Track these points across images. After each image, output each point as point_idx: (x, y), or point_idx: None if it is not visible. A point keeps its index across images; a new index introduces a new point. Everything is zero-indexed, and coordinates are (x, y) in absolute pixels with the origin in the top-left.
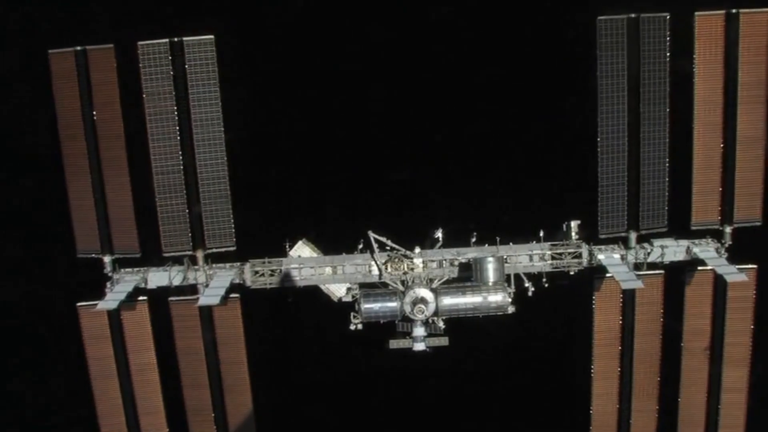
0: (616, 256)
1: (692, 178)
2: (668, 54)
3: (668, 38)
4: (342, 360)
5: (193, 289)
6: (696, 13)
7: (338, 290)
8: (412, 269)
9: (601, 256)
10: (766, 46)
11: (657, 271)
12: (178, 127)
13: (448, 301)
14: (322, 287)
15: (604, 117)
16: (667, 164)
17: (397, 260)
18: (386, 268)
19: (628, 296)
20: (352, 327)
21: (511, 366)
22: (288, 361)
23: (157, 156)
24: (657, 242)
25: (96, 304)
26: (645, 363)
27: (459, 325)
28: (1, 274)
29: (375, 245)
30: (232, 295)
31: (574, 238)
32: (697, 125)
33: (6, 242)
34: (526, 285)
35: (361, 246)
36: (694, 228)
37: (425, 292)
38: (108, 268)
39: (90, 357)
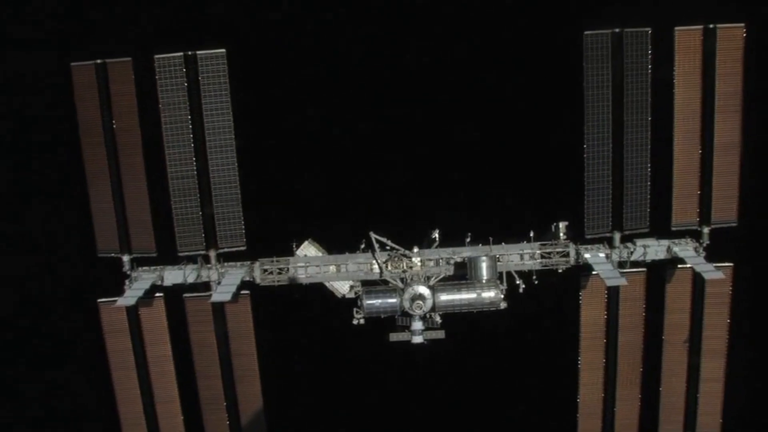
0: (602, 255)
1: (672, 182)
2: (650, 66)
3: (650, 51)
4: (345, 352)
5: (206, 287)
6: (676, 28)
7: (342, 287)
8: (411, 267)
9: (587, 255)
10: (742, 59)
11: (639, 269)
12: (192, 135)
13: (445, 297)
14: (327, 284)
15: (590, 125)
16: (649, 169)
17: (396, 259)
18: (386, 267)
19: (613, 292)
20: (355, 321)
21: (503, 358)
22: (295, 353)
23: (173, 162)
24: (639, 242)
25: (115, 301)
26: (628, 355)
27: (455, 319)
28: (27, 273)
29: (376, 245)
30: (243, 292)
31: (562, 238)
32: (677, 132)
33: (30, 243)
34: (518, 282)
35: (363, 246)
36: (674, 229)
37: (423, 289)
38: (126, 267)
39: (110, 350)
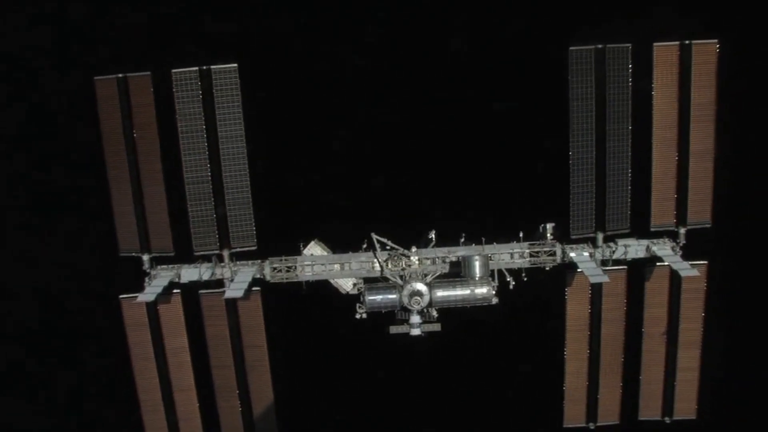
0: (585, 254)
1: (651, 186)
2: (630, 79)
3: (630, 65)
4: (349, 344)
5: (219, 284)
6: (654, 44)
7: (345, 284)
8: (410, 266)
9: (572, 254)
10: (715, 72)
11: (621, 267)
12: (206, 143)
13: (441, 293)
14: (331, 281)
15: (575, 133)
16: (630, 174)
17: (396, 258)
18: (387, 265)
19: (596, 288)
20: (358, 316)
21: (494, 349)
22: (302, 345)
23: (189, 168)
24: (621, 242)
25: (136, 297)
26: (610, 346)
27: (450, 313)
28: (55, 271)
29: (377, 245)
30: (254, 289)
31: (549, 238)
32: (656, 140)
33: (56, 244)
34: (508, 279)
35: (365, 246)
36: (653, 229)
37: (421, 286)
38: (146, 266)
39: (131, 342)
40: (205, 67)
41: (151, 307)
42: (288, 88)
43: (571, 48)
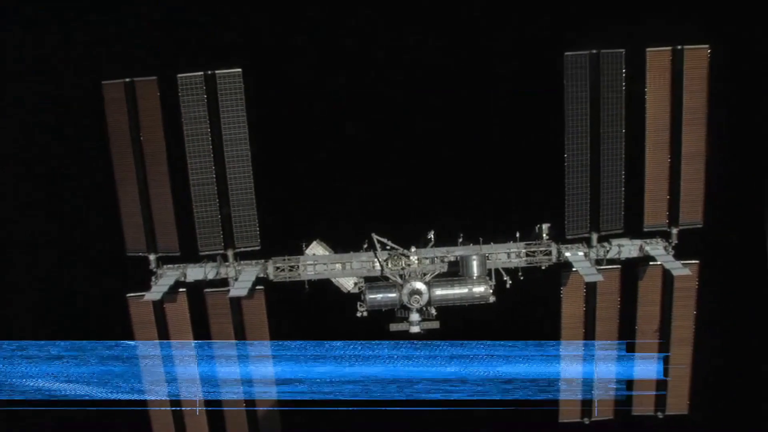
0: (580, 253)
1: (644, 188)
2: (624, 83)
3: (624, 70)
4: (350, 341)
5: (224, 283)
6: (647, 49)
7: (347, 283)
8: (409, 265)
9: (567, 254)
10: (707, 76)
11: (615, 266)
12: (211, 146)
13: (439, 292)
14: (333, 280)
15: (571, 136)
16: (623, 176)
17: (396, 258)
18: (387, 265)
19: (590, 287)
20: (359, 314)
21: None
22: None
23: (194, 170)
24: (615, 242)
25: (143, 295)
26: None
27: (449, 312)
28: (63, 270)
29: (377, 245)
30: (258, 287)
31: (545, 238)
32: (648, 143)
33: (65, 244)
34: (505, 278)
35: (365, 246)
36: (646, 230)
37: (420, 285)
38: (153, 265)
39: (138, 340)
40: (210, 72)
41: (158, 306)
42: (290, 91)
43: (566, 53)
